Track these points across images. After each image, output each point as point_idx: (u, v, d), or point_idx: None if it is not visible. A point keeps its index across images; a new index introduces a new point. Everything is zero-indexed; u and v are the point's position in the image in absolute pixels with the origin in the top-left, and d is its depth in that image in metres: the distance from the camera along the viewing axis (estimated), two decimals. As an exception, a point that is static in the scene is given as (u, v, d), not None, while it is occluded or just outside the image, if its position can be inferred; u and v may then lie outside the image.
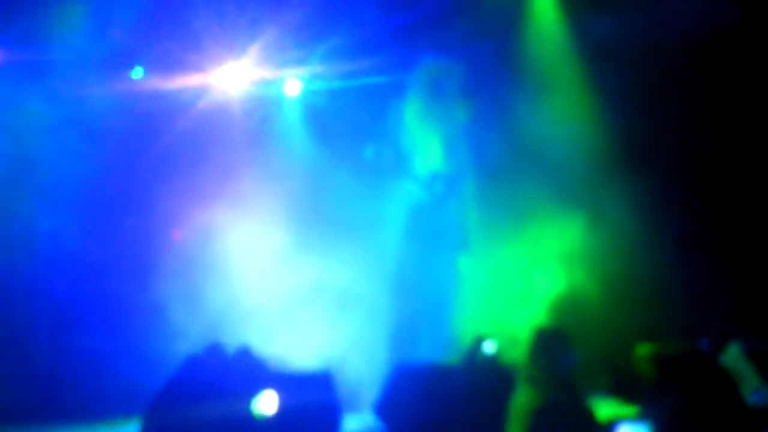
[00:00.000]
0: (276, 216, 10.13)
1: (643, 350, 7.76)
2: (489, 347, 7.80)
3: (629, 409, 7.53)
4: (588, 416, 6.43)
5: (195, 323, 9.79)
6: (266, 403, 7.03)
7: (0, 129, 9.91)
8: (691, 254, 9.85)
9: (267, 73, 10.71)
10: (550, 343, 6.59)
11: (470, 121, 10.20)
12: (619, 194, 9.80)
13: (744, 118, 9.97)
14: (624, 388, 8.13)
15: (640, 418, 6.67)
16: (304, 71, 10.78)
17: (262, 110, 10.88)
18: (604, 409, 7.10)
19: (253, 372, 7.37)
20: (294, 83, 11.00)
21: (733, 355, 7.64)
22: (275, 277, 10.04)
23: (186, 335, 9.62)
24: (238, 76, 10.70)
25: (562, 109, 10.13)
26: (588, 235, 9.90)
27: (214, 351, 7.55)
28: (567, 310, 9.71)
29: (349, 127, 10.43)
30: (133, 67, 10.43)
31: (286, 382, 7.29)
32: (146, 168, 10.23)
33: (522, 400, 6.40)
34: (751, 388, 7.40)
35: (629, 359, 7.97)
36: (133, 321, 10.02)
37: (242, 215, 10.13)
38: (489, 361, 7.84)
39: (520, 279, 9.95)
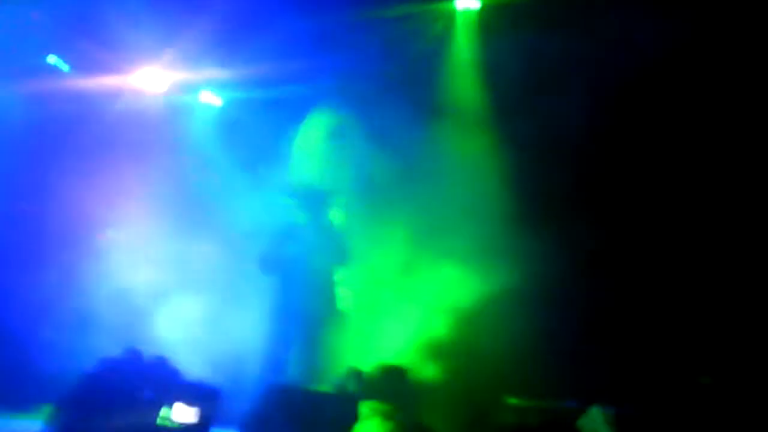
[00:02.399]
0: (167, 218, 10.32)
1: (511, 404, 7.97)
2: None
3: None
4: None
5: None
6: (179, 414, 7.05)
7: None
8: (573, 311, 9.97)
9: (182, 77, 10.77)
10: (389, 378, 6.73)
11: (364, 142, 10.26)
12: (511, 245, 9.90)
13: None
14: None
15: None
16: (219, 78, 10.88)
17: (174, 115, 10.97)
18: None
19: (166, 381, 7.39)
20: (208, 90, 11.14)
21: (593, 419, 7.80)
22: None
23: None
24: (155, 79, 10.76)
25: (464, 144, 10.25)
26: (473, 283, 9.99)
27: (132, 355, 7.55)
28: (439, 353, 9.80)
29: (254, 138, 10.58)
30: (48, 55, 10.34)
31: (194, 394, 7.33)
32: (53, 162, 10.28)
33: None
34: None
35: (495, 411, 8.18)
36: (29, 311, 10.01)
37: (138, 215, 10.27)
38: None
39: (398, 315, 10.02)
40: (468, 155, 10.20)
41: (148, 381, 7.19)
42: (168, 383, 7.31)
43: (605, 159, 10.05)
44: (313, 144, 10.35)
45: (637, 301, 9.90)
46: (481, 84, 10.58)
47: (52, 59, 10.48)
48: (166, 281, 10.36)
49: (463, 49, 10.80)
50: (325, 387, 8.82)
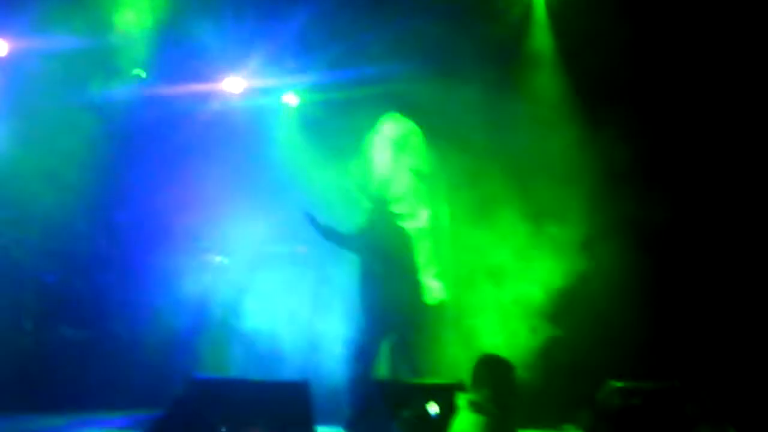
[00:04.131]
0: (261, 219, 10.59)
1: (615, 386, 7.95)
2: None
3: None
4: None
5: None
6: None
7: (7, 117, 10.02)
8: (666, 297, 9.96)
9: (265, 82, 11.04)
10: (492, 371, 6.72)
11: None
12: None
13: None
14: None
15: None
16: (302, 81, 11.13)
17: (260, 119, 11.19)
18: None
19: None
20: (292, 94, 11.37)
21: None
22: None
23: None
24: (238, 85, 11.01)
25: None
26: (571, 269, 10.01)
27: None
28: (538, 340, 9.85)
29: (338, 139, 10.70)
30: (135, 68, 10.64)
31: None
32: (146, 170, 10.54)
33: (462, 425, 6.53)
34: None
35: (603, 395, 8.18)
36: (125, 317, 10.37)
37: (232, 217, 10.52)
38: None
39: (494, 306, 10.06)
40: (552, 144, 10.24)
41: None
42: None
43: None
44: (385, 149, 10.44)
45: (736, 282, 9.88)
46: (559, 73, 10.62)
47: (137, 71, 10.70)
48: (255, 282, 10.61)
49: (540, 40, 10.84)
50: (424, 380, 8.89)
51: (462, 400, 6.64)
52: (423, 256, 9.88)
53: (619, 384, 7.93)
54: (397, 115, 10.43)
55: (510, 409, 6.64)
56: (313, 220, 9.71)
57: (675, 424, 7.55)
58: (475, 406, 6.54)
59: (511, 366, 6.79)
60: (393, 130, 10.36)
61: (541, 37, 10.87)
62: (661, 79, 10.35)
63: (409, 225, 9.96)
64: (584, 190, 10.22)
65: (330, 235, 9.82)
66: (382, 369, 9.74)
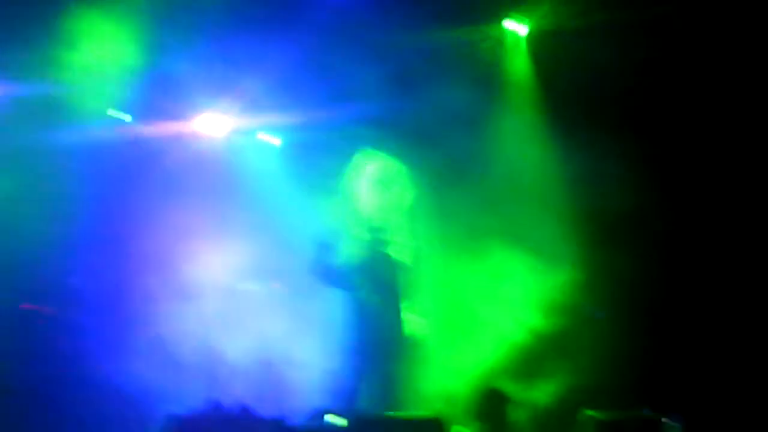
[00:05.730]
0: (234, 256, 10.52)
1: (587, 415, 7.83)
2: None
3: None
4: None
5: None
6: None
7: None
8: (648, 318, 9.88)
9: (245, 121, 11.02)
10: (488, 403, 6.64)
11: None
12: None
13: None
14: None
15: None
16: (278, 121, 11.11)
17: (234, 155, 11.19)
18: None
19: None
20: (267, 132, 11.33)
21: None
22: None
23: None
24: (218, 123, 11.00)
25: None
26: (548, 283, 9.99)
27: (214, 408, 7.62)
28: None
29: (320, 174, 10.65)
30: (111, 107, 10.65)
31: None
32: (126, 206, 10.48)
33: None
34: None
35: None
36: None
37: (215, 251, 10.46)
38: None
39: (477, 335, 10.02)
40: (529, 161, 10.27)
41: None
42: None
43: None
44: (366, 183, 10.43)
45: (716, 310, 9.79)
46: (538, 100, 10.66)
47: (112, 112, 10.70)
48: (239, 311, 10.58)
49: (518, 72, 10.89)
50: (410, 413, 8.79)
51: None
52: (406, 288, 9.80)
53: (593, 414, 7.84)
54: (376, 151, 10.43)
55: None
56: (326, 252, 9.66)
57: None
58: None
59: (507, 398, 6.73)
60: (373, 166, 10.35)
61: (519, 63, 10.89)
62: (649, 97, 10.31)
63: (396, 256, 9.93)
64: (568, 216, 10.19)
65: (332, 269, 9.75)
66: (362, 403, 9.62)
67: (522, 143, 10.56)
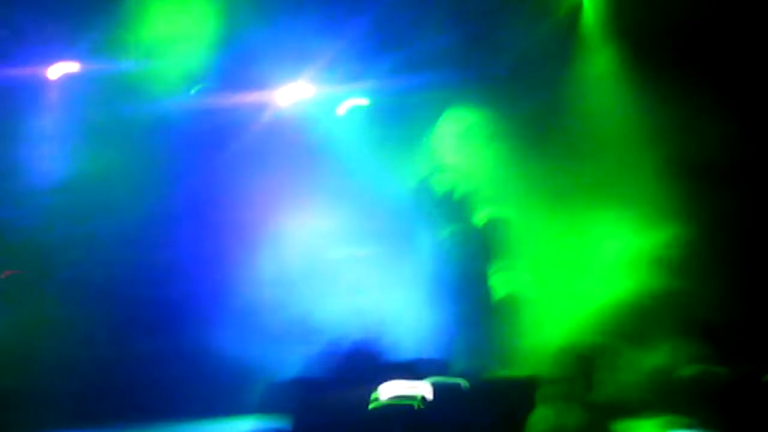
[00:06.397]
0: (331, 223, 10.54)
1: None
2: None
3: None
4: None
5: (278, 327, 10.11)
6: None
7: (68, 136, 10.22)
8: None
9: (324, 89, 11.02)
10: (571, 363, 6.57)
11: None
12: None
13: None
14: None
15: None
16: (360, 87, 11.07)
17: (320, 125, 11.15)
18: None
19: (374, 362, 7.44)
20: (349, 99, 11.29)
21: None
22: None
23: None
24: (297, 92, 11.02)
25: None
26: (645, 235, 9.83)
27: (335, 347, 7.63)
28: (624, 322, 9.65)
29: (398, 142, 10.71)
30: (194, 85, 10.77)
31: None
32: (212, 177, 10.60)
33: (540, 419, 6.39)
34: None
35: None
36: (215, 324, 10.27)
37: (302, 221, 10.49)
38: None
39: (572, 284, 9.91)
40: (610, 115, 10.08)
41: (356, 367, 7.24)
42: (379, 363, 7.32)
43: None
44: (450, 144, 10.35)
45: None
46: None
47: (195, 86, 10.81)
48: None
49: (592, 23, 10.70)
50: (502, 372, 8.79)
51: (541, 393, 6.52)
52: (501, 246, 9.77)
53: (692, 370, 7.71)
54: (460, 109, 10.36)
55: (589, 401, 6.50)
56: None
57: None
58: (553, 400, 6.41)
59: (590, 358, 6.65)
60: (458, 123, 10.30)
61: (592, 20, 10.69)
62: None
63: (485, 218, 9.90)
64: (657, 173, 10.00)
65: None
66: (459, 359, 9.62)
67: (609, 94, 10.37)
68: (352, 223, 10.59)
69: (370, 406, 7.41)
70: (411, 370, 7.55)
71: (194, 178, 10.55)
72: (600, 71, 10.63)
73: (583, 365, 6.71)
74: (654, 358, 9.24)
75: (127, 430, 9.14)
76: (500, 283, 9.81)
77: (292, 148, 10.74)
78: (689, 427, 6.51)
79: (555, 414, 6.38)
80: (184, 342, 10.12)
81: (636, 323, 9.61)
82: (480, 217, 9.88)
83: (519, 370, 9.05)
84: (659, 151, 9.92)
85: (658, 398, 8.58)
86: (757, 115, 9.96)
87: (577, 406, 6.47)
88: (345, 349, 7.61)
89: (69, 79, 10.22)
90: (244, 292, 10.26)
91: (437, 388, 7.69)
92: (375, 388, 7.20)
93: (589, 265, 10.02)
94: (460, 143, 10.25)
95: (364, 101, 11.25)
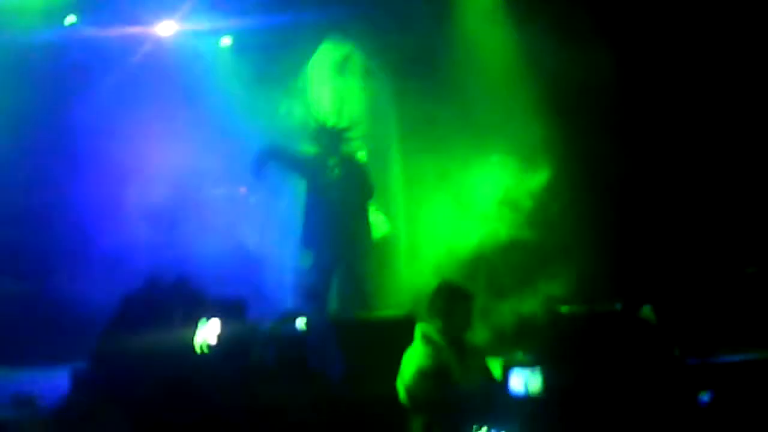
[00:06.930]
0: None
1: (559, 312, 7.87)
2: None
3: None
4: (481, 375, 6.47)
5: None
6: (209, 332, 6.91)
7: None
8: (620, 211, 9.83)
9: (197, 26, 10.71)
10: (445, 300, 6.59)
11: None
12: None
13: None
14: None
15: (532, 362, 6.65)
16: (232, 24, 10.80)
17: (194, 61, 10.87)
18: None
19: (191, 303, 7.24)
20: (227, 37, 11.06)
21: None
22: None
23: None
24: (172, 27, 10.71)
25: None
26: (521, 180, 9.88)
27: (152, 283, 7.41)
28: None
29: (270, 80, 10.53)
30: (67, 15, 10.32)
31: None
32: (81, 116, 10.21)
33: (413, 356, 6.42)
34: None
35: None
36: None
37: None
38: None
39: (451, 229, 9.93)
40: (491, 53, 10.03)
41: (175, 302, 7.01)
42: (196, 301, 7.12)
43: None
44: (326, 77, 10.21)
45: (680, 191, 9.76)
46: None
47: (70, 19, 10.43)
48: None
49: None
50: (381, 313, 8.85)
51: (417, 330, 6.55)
52: (369, 186, 9.68)
53: (565, 308, 7.86)
54: (338, 37, 10.21)
55: (461, 339, 6.55)
56: (271, 152, 9.54)
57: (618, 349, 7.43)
58: (426, 338, 6.45)
59: (467, 295, 6.66)
60: (334, 52, 10.16)
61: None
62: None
63: (357, 153, 9.81)
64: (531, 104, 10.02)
65: (286, 161, 9.64)
66: (333, 304, 9.63)
67: (489, 30, 10.30)
68: (226, 162, 10.43)
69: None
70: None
71: (65, 115, 10.23)
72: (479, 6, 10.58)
73: (455, 304, 6.72)
74: (513, 303, 9.48)
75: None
76: (374, 222, 9.79)
77: (166, 86, 10.43)
78: (531, 363, 6.64)
79: (425, 351, 6.41)
80: (46, 286, 9.91)
81: (500, 268, 9.80)
82: (356, 155, 9.79)
83: (393, 309, 9.14)
84: (539, 89, 9.93)
85: (514, 339, 8.82)
86: (637, 48, 10.05)
87: (452, 347, 6.51)
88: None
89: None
90: (116, 232, 10.08)
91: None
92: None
93: (464, 208, 10.08)
94: (335, 79, 10.13)
95: (233, 38, 11.06)
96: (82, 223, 10.09)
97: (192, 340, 6.67)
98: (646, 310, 7.49)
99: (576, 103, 9.85)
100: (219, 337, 6.76)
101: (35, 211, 10.12)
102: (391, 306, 9.39)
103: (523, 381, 6.52)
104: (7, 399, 7.63)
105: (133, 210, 10.13)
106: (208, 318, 6.74)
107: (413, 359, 6.46)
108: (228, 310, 7.05)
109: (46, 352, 9.01)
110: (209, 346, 6.63)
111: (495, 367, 6.85)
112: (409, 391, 6.35)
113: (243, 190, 10.81)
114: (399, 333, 7.05)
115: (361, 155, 10.01)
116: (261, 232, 10.55)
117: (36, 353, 9.07)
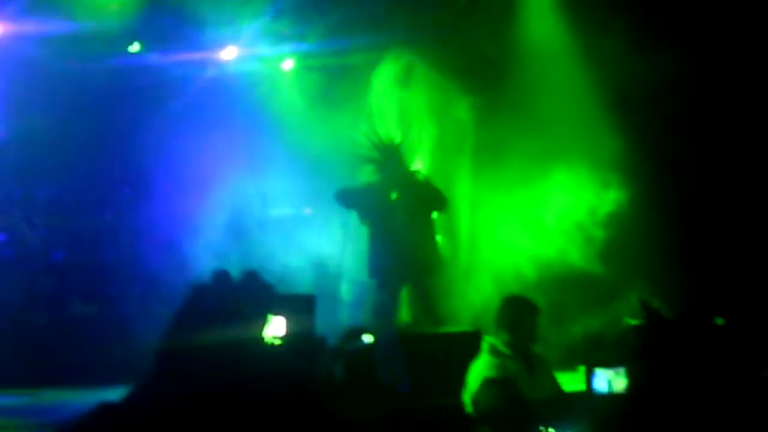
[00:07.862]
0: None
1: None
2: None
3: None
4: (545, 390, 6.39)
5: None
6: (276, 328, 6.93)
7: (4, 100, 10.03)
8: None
9: (263, 50, 10.91)
10: (512, 313, 6.53)
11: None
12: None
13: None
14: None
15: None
16: (299, 48, 11.00)
17: (257, 84, 11.05)
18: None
19: (261, 296, 7.26)
20: (289, 60, 11.23)
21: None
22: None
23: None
24: (236, 53, 10.88)
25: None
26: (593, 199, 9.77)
27: (221, 277, 7.45)
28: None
29: (333, 99, 10.59)
30: (131, 43, 10.54)
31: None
32: (145, 141, 10.43)
33: (478, 367, 6.36)
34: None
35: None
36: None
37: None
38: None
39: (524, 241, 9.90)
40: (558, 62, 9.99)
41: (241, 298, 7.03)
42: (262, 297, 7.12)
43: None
44: (388, 89, 10.25)
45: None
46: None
47: (135, 47, 10.64)
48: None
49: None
50: (448, 328, 8.82)
51: (484, 343, 6.51)
52: (438, 205, 9.67)
53: (634, 322, 7.73)
54: (399, 50, 10.26)
55: (528, 351, 6.49)
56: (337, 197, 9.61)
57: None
58: (492, 349, 6.40)
59: (534, 308, 6.61)
60: (395, 63, 10.20)
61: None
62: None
63: (420, 172, 9.80)
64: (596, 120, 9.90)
65: (343, 195, 9.66)
66: (403, 319, 9.61)
67: (549, 42, 10.22)
68: (292, 183, 10.53)
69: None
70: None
71: (135, 139, 10.43)
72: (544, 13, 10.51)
73: (522, 317, 6.66)
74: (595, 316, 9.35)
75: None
76: (440, 237, 9.77)
77: (230, 109, 10.62)
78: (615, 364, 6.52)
79: (491, 363, 6.35)
80: (118, 307, 10.05)
81: (578, 281, 9.67)
82: (417, 173, 9.77)
83: (459, 324, 9.09)
84: (603, 96, 9.83)
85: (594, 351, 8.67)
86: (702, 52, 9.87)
87: (519, 359, 6.45)
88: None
89: (5, 40, 10.03)
90: (185, 255, 10.20)
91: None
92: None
93: (534, 221, 10.00)
94: (398, 91, 10.13)
95: (295, 60, 11.18)
96: (150, 246, 10.27)
97: (261, 334, 6.73)
98: (720, 322, 7.35)
99: (649, 114, 9.74)
100: (287, 333, 6.80)
101: (106, 235, 10.31)
102: (457, 322, 9.33)
103: (607, 381, 6.41)
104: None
105: (200, 233, 10.29)
106: (277, 314, 6.76)
107: (479, 369, 6.41)
108: (298, 306, 7.09)
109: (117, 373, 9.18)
110: (278, 341, 6.65)
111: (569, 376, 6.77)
112: (475, 400, 6.30)
113: (308, 210, 10.87)
114: (465, 347, 7.02)
115: (423, 171, 9.96)
116: (327, 248, 10.59)
117: (106, 375, 9.24)
